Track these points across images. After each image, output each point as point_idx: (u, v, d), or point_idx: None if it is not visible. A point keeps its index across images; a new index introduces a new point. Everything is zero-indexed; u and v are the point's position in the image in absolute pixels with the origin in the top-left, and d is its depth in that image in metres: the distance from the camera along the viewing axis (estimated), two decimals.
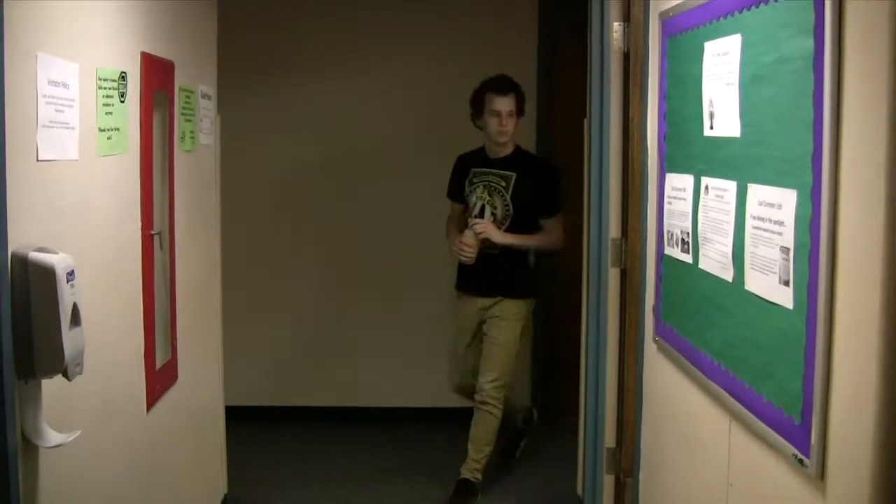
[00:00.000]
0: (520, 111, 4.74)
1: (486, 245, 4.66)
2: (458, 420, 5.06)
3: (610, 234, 3.78)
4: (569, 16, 5.40)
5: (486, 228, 4.63)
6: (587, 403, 4.00)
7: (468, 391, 4.93)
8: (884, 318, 1.67)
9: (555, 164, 4.98)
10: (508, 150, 4.77)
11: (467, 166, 4.83)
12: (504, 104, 4.65)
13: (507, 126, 4.66)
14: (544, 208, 4.73)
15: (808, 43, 1.90)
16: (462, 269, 4.88)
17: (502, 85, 4.69)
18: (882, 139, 1.65)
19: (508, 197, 4.68)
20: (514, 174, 4.68)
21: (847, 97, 1.80)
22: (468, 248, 4.62)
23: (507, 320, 4.73)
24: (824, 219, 1.85)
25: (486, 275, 4.74)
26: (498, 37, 5.74)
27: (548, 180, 4.74)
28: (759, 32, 2.19)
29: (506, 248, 4.69)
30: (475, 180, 4.76)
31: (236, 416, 4.88)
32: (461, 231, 4.78)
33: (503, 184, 4.68)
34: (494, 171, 4.73)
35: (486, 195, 4.72)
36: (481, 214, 4.71)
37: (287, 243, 5.87)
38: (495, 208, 4.69)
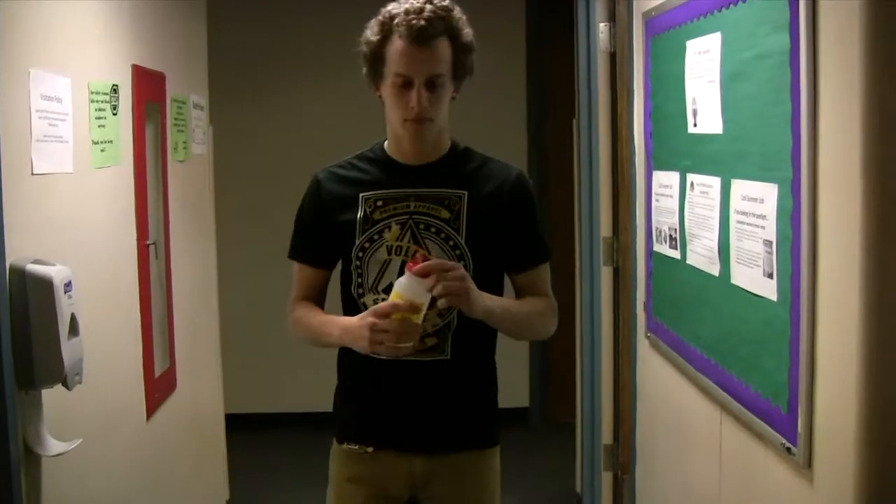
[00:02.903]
0: (460, 70, 2.23)
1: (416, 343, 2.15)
2: None
3: (601, 233, 3.81)
4: (556, 15, 5.41)
5: (462, 277, 2.12)
6: (583, 401, 4.03)
7: None
8: (863, 307, 1.70)
9: (521, 169, 2.39)
10: (441, 147, 2.32)
11: (348, 192, 2.33)
12: (422, 66, 2.15)
13: (429, 106, 2.17)
14: (525, 252, 2.35)
15: (784, 39, 1.94)
16: (352, 395, 2.44)
17: (420, 24, 2.12)
18: (856, 130, 1.69)
19: (461, 238, 2.25)
20: (466, 192, 2.27)
21: (823, 91, 1.84)
22: (409, 328, 2.11)
23: (488, 491, 2.37)
24: (805, 211, 1.88)
25: (427, 402, 2.31)
26: (486, 38, 5.74)
27: (524, 198, 2.32)
28: (738, 30, 2.23)
29: (463, 341, 2.28)
30: (378, 216, 2.28)
31: (237, 423, 4.91)
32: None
33: (445, 215, 2.25)
34: (421, 191, 2.27)
35: (407, 241, 2.26)
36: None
37: (284, 249, 5.87)
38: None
